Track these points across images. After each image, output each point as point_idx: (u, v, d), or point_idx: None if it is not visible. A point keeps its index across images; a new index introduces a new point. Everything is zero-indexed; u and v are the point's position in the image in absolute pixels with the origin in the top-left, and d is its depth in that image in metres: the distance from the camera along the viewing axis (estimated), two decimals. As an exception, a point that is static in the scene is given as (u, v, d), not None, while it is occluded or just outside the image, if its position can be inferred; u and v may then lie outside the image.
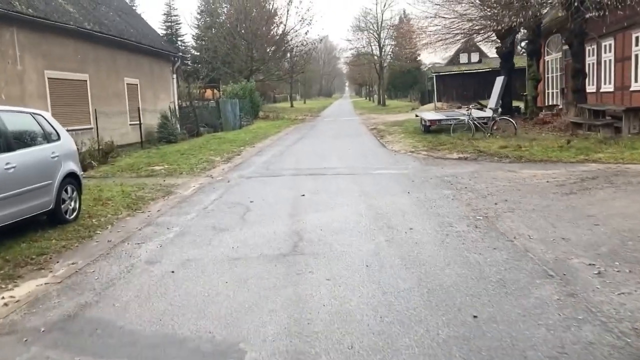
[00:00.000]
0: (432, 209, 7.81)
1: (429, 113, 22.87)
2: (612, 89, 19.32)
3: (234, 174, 12.51)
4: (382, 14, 60.86)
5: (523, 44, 28.37)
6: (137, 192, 10.20)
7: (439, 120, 19.22)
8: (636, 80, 17.52)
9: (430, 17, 24.37)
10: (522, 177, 9.99)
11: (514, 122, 16.37)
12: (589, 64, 22.12)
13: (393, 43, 68.36)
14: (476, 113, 17.91)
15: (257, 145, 19.96)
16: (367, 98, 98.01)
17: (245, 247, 6.33)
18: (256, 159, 15.41)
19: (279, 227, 7.13)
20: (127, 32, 20.17)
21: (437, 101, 44.95)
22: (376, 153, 15.74)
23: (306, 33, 53.25)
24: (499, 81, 25.41)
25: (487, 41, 25.98)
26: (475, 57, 67.29)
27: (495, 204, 7.87)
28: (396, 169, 12.15)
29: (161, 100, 22.67)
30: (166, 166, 14.02)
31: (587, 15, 15.06)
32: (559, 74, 25.78)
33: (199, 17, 58.82)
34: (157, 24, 64.58)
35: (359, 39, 62.79)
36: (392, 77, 71.36)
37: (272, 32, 47.76)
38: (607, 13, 14.23)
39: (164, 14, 67.22)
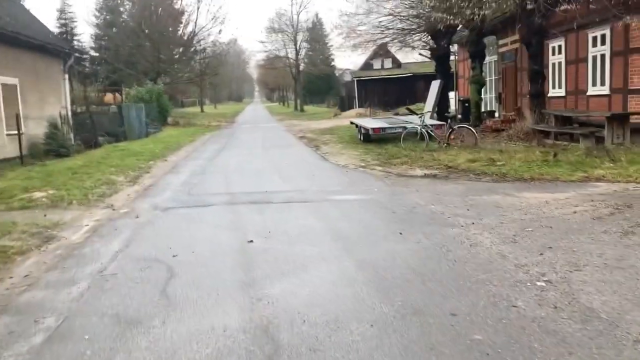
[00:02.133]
0: (456, 267, 5.22)
1: (368, 120, 20.59)
2: (563, 94, 17.90)
3: (144, 203, 9.34)
4: (298, 16, 58.21)
5: (452, 47, 26.87)
6: (-2, 240, 6.87)
7: (383, 129, 16.90)
8: (594, 84, 16.10)
9: (361, 14, 22.17)
10: (532, 204, 7.69)
11: (474, 131, 14.32)
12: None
13: (308, 46, 66.49)
14: (429, 121, 15.72)
15: (170, 158, 16.66)
16: (281, 103, 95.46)
17: (178, 374, 3.43)
18: (172, 179, 12.23)
19: (231, 317, 4.23)
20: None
21: (359, 107, 43.20)
22: (322, 169, 13.06)
23: (219, 32, 49.55)
24: (435, 85, 23.70)
25: (423, 44, 24.11)
26: (388, 63, 66.93)
27: (541, 254, 5.43)
28: (359, 192, 9.53)
29: (50, 105, 18.74)
30: (51, 192, 10.53)
31: (562, 8, 13.26)
32: (495, 77, 24.45)
33: (98, 14, 53.62)
34: (49, 22, 58.40)
35: (273, 41, 60.08)
36: (306, 82, 69.21)
37: (180, 31, 43.96)
38: (577, 6, 12.45)
39: (58, 10, 61.16)
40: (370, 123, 18.03)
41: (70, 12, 60.11)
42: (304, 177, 11.66)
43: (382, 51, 64.18)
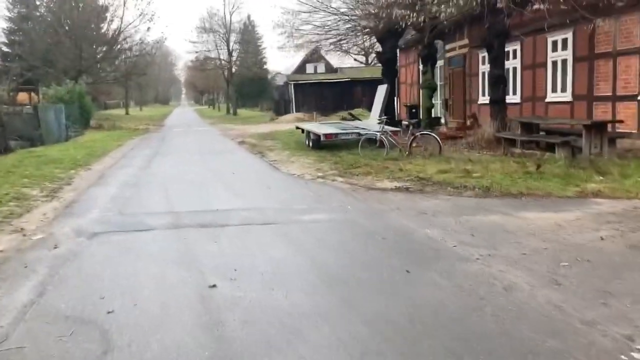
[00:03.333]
0: (507, 326, 3.87)
1: (316, 125, 19.18)
2: (518, 100, 17.26)
3: (64, 226, 7.46)
4: (231, 16, 55.98)
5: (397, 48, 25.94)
6: None
7: (336, 134, 15.55)
8: (554, 90, 15.49)
9: (305, 12, 20.80)
10: (543, 227, 6.52)
11: (438, 138, 13.22)
12: (482, 73, 20.18)
13: (240, 48, 64.48)
14: (387, 127, 14.50)
15: (95, 166, 14.53)
16: (210, 106, 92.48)
17: None
18: (99, 192, 10.28)
19: None
20: None
21: (296, 111, 41.82)
22: (275, 179, 11.50)
23: (148, 29, 46.59)
24: (382, 90, 22.63)
25: (359, 49, 23.02)
26: (321, 67, 66.16)
27: (604, 303, 4.19)
28: (329, 210, 8.07)
29: (-51, 103, 16.09)
30: (-59, 211, 8.42)
31: (535, 7, 12.38)
32: (440, 83, 23.71)
33: (10, 6, 49.25)
34: (-45, 12, 53.14)
35: (204, 41, 57.57)
36: (239, 85, 67.04)
37: (104, 28, 40.93)
38: (548, 6, 11.62)
39: (-36, 2, 55.96)
40: (321, 128, 16.66)
41: (-22, 4, 55.30)
42: (258, 191, 10.07)
43: (315, 55, 63.36)
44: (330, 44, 22.58)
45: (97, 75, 42.12)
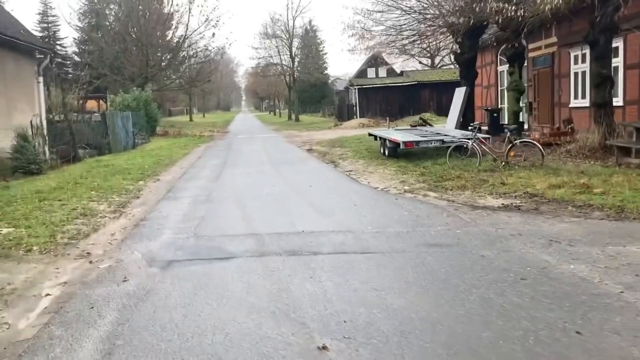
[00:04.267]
0: None
1: (392, 132, 17.92)
2: (621, 103, 15.41)
3: (134, 251, 6.56)
4: (294, 21, 55.51)
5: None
6: None
7: (417, 142, 14.25)
8: (668, 91, 13.64)
9: (381, 11, 19.58)
10: None
11: (540, 147, 11.70)
12: (574, 73, 18.37)
13: (301, 54, 63.94)
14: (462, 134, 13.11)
15: (163, 177, 13.85)
16: (271, 112, 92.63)
17: None
18: (170, 208, 9.43)
19: None
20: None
21: (360, 116, 40.67)
22: (358, 194, 10.34)
23: (213, 35, 46.51)
24: (460, 93, 21.11)
25: (424, 51, 21.55)
26: (382, 71, 64.73)
27: None
28: (436, 235, 6.81)
29: (20, 112, 15.85)
30: (5, 230, 7.73)
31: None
32: (526, 84, 21.92)
33: (82, 17, 50.52)
34: (30, 24, 55.19)
35: (266, 47, 57.29)
36: (300, 90, 66.56)
37: (170, 35, 41.10)
38: None
39: (39, 14, 58.06)
40: (398, 135, 15.38)
41: (53, 16, 57.20)
42: (343, 207, 8.94)
43: (378, 59, 62.08)
44: (404, 45, 21.21)
45: (163, 82, 42.37)
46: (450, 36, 20.31)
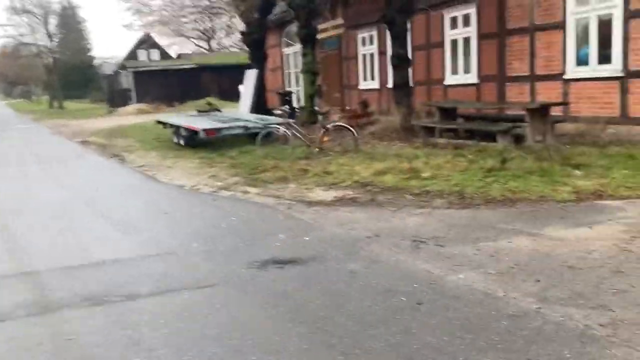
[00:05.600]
0: None
1: (187, 118, 15.95)
2: (411, 84, 15.83)
3: None
4: (50, -4, 48.40)
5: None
6: None
7: (219, 129, 12.70)
8: (455, 72, 14.23)
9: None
10: (608, 252, 4.68)
11: (354, 131, 11.06)
12: (362, 55, 18.57)
13: (60, 34, 56.81)
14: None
15: None
16: (26, 100, 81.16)
17: None
18: None
19: None
20: None
21: (138, 102, 37.33)
22: (164, 196, 8.46)
23: None
24: (251, 75, 20.13)
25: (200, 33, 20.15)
26: (154, 54, 61.06)
27: None
28: (283, 248, 5.45)
29: None
30: None
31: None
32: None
33: None
34: None
35: (16, 25, 49.32)
36: (62, 74, 59.11)
37: None
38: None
39: None
40: (197, 122, 13.63)
41: None
42: (151, 218, 7.08)
43: (150, 41, 58.13)
44: (184, 23, 19.31)
45: None
46: (236, 12, 19.07)
